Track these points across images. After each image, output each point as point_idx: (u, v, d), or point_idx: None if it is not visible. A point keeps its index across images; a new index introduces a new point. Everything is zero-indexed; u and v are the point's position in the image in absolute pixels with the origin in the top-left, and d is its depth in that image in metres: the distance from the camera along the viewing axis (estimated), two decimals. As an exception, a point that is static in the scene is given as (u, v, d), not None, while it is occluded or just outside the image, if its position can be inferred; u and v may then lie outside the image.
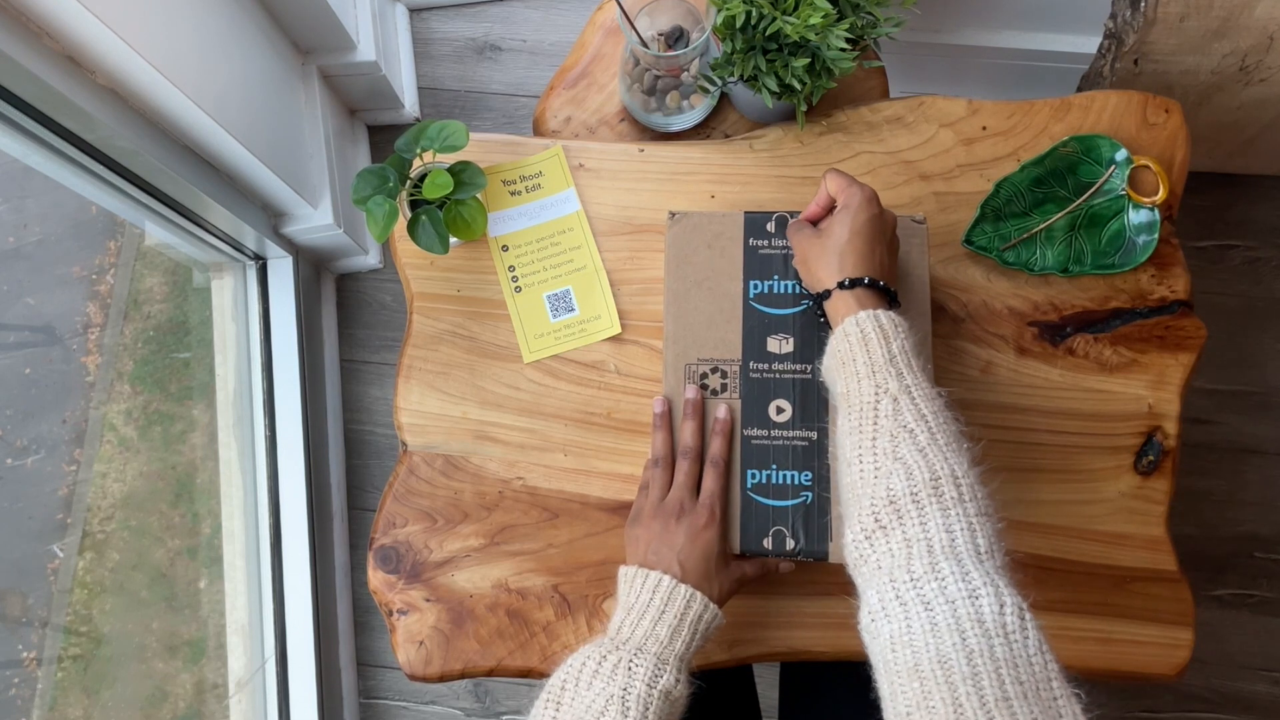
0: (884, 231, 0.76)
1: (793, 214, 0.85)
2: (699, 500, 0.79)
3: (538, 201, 0.92)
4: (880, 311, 0.70)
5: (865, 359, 0.69)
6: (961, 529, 0.59)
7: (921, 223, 0.84)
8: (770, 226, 0.85)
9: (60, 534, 1.23)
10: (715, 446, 0.81)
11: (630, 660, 0.67)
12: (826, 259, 0.75)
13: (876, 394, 0.67)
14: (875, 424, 0.66)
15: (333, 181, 1.30)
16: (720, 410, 0.82)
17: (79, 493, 1.26)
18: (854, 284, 0.72)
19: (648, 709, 0.65)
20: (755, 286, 0.84)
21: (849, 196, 0.76)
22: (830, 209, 0.79)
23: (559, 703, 0.66)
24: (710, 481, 0.80)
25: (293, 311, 1.33)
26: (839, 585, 0.78)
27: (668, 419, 0.83)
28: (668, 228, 0.86)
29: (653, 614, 0.71)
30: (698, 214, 0.86)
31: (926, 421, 0.65)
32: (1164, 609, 0.86)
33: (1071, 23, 1.25)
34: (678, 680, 0.68)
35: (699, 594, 0.73)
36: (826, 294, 0.74)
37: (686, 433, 0.82)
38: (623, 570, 0.76)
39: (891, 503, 0.62)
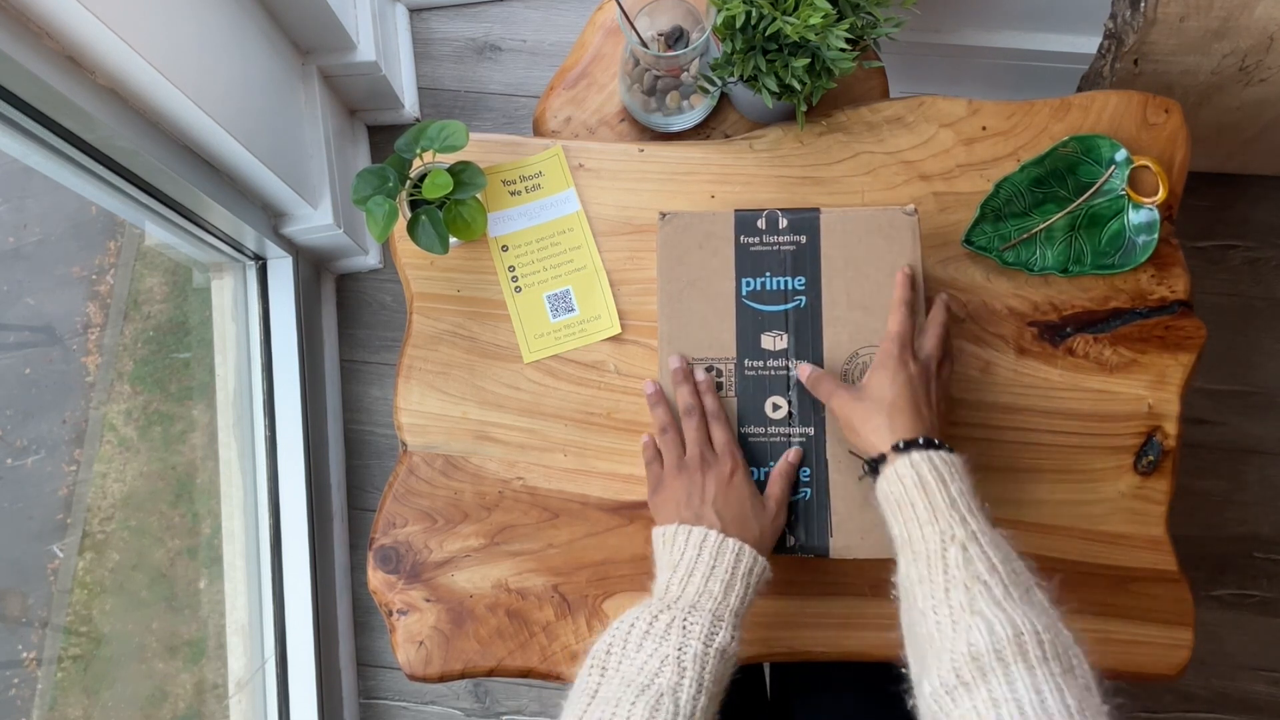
0: (928, 384, 0.75)
1: (784, 211, 0.85)
2: (716, 452, 0.79)
3: (538, 201, 0.92)
4: (933, 452, 0.69)
5: (925, 503, 0.67)
6: (1050, 690, 0.57)
7: (912, 214, 0.84)
8: (761, 224, 0.85)
9: (60, 534, 1.24)
10: (710, 403, 0.81)
11: (685, 619, 0.66)
12: (874, 421, 0.73)
13: (943, 541, 0.65)
14: (946, 574, 0.64)
15: (333, 181, 1.30)
16: (699, 374, 0.83)
17: (79, 493, 1.26)
18: (909, 446, 0.71)
19: (704, 668, 0.64)
20: (748, 284, 0.84)
21: (884, 352, 0.76)
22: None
23: (604, 667, 0.65)
24: (720, 433, 0.80)
25: (293, 311, 1.33)
26: (839, 585, 0.79)
27: (662, 395, 0.83)
28: (659, 228, 0.86)
29: (703, 570, 0.70)
30: (688, 214, 0.86)
31: (998, 571, 0.64)
32: (1164, 609, 0.86)
33: (1071, 23, 1.25)
34: (733, 637, 0.67)
35: (747, 547, 0.72)
36: (882, 458, 0.72)
37: (685, 395, 0.82)
38: (660, 531, 0.75)
39: (974, 659, 0.60)
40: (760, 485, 0.80)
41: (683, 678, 0.63)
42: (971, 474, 0.71)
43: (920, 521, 0.67)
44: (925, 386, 0.75)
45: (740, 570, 0.71)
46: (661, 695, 0.62)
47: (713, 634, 0.66)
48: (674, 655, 0.64)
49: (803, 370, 0.81)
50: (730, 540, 0.71)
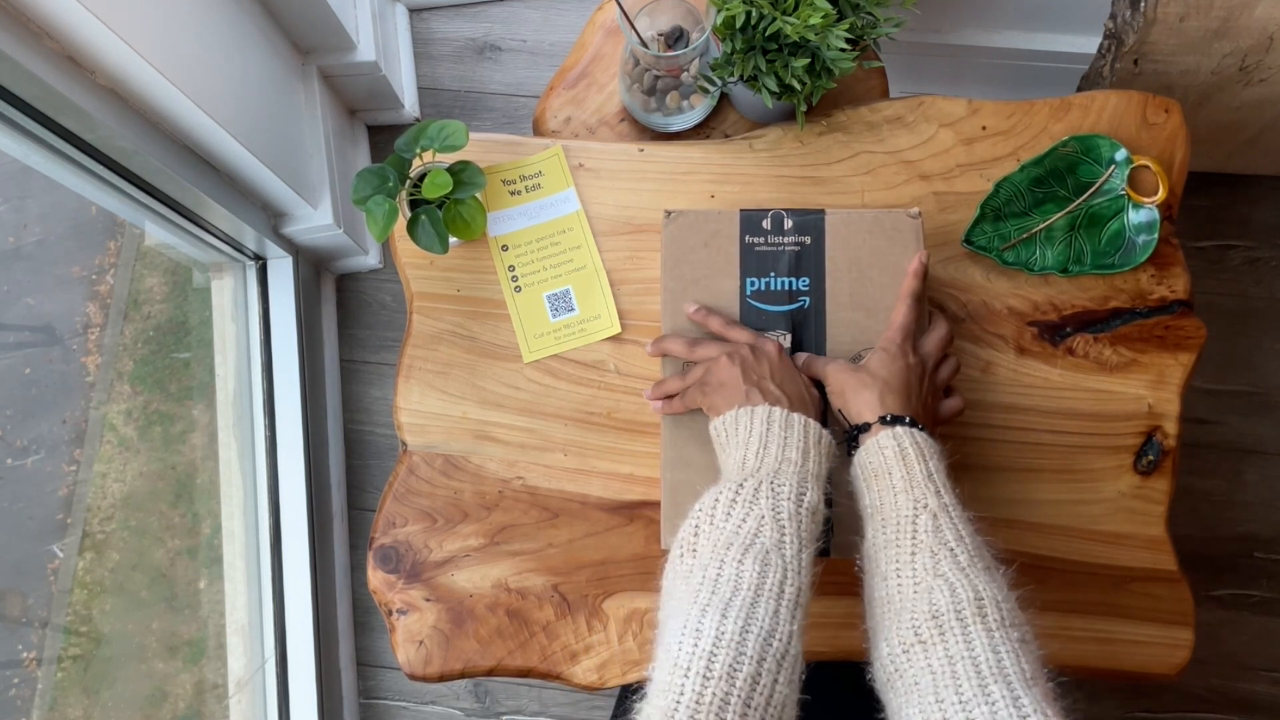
0: (923, 374, 0.77)
1: (789, 211, 0.85)
2: (751, 343, 0.79)
3: (537, 201, 0.92)
4: (916, 431, 0.71)
5: (903, 473, 0.68)
6: (1008, 652, 0.58)
7: (916, 217, 0.84)
8: (766, 224, 0.85)
9: (60, 534, 1.24)
10: (717, 321, 0.82)
11: (772, 481, 0.66)
12: (866, 394, 0.75)
13: (915, 509, 0.66)
14: (914, 538, 0.65)
15: (333, 181, 1.30)
16: (688, 307, 0.83)
17: (79, 493, 1.26)
18: (895, 420, 0.72)
19: (800, 525, 0.64)
20: (752, 284, 0.84)
21: (887, 339, 0.78)
22: None
23: (695, 548, 0.64)
24: (740, 332, 0.80)
25: (293, 311, 1.33)
26: (839, 585, 0.78)
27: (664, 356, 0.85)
28: (664, 226, 0.86)
29: (776, 441, 0.70)
30: (694, 212, 0.86)
31: (965, 542, 0.65)
32: (1164, 609, 0.86)
33: (1071, 23, 1.25)
34: (819, 498, 0.67)
35: (812, 420, 0.72)
36: (865, 427, 0.73)
37: (673, 345, 0.83)
38: (720, 420, 0.75)
39: (934, 618, 0.60)
40: None
41: (783, 535, 0.63)
42: (947, 464, 0.72)
43: (895, 490, 0.68)
44: (919, 379, 0.77)
45: (811, 440, 0.71)
46: (768, 552, 0.61)
47: (801, 494, 0.66)
48: (769, 515, 0.63)
49: (799, 359, 0.82)
50: (796, 415, 0.72)
